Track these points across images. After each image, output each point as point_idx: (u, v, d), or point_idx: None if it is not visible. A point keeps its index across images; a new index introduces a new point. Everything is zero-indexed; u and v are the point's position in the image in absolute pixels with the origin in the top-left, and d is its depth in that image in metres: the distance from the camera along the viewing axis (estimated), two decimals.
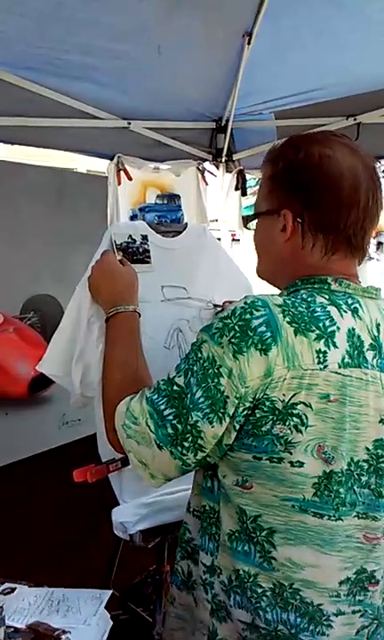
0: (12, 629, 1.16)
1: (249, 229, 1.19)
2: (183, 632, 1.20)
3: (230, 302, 1.61)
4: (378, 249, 3.21)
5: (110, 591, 1.30)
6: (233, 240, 4.26)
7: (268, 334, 0.95)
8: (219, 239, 2.78)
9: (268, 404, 0.95)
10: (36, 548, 2.48)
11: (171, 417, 1.00)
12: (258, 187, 1.20)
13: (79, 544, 2.54)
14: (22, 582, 1.33)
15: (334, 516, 1.01)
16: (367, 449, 1.01)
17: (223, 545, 1.07)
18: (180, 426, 0.99)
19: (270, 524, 1.01)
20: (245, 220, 1.19)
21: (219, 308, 1.64)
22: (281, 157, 1.10)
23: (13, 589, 1.30)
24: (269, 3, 2.48)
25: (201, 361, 0.99)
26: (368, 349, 1.02)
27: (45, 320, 2.90)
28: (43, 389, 2.73)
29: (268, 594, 1.03)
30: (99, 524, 1.64)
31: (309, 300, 1.01)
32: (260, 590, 1.03)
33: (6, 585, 1.31)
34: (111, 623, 1.23)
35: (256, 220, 1.17)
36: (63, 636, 1.13)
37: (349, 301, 1.04)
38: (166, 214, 1.70)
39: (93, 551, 2.28)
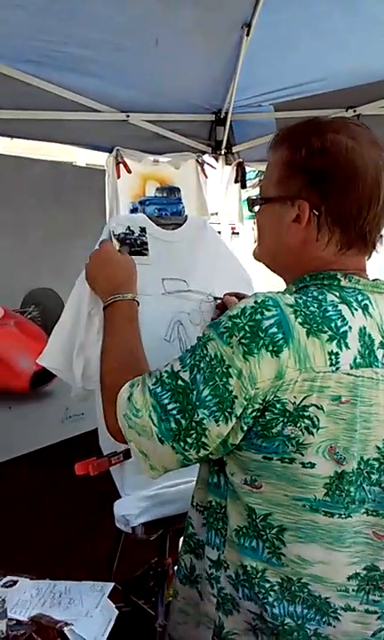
0: (15, 622, 1.16)
1: (252, 212, 1.15)
2: (186, 626, 1.20)
3: (230, 295, 1.60)
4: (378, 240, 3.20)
5: (112, 583, 1.30)
6: (233, 233, 4.25)
7: (280, 336, 0.93)
8: (218, 232, 2.78)
9: (278, 406, 0.94)
10: (38, 541, 2.48)
11: (175, 412, 0.98)
12: (263, 173, 1.13)
13: (82, 537, 2.55)
14: (24, 575, 1.33)
15: (344, 514, 1.00)
16: (378, 447, 1.00)
17: (230, 540, 1.07)
18: (184, 421, 0.98)
19: (280, 521, 1.01)
20: (251, 204, 1.13)
21: (219, 301, 1.64)
22: (302, 143, 1.03)
23: (15, 582, 1.30)
24: None
25: (207, 358, 0.97)
26: (378, 347, 1.00)
27: (46, 314, 2.89)
28: (45, 383, 2.73)
29: (276, 588, 1.03)
30: (101, 517, 1.64)
31: (320, 298, 0.99)
32: (267, 585, 1.03)
33: (8, 578, 1.31)
34: (117, 612, 1.23)
35: (261, 205, 1.12)
36: (65, 628, 1.13)
37: (359, 298, 1.02)
38: (167, 207, 1.69)
39: (96, 544, 2.28)
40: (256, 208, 1.13)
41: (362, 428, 0.98)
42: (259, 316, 0.95)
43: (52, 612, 1.20)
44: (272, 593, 1.03)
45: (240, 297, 1.56)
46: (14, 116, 2.73)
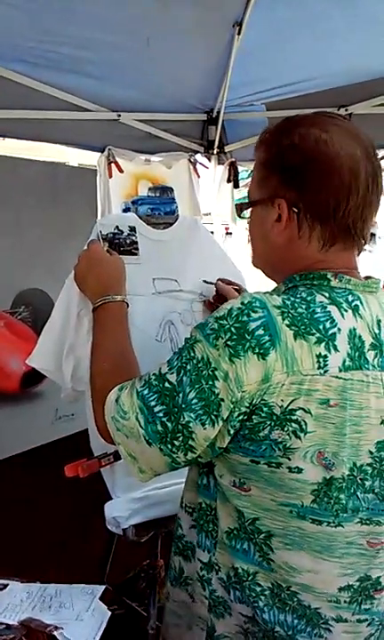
0: (4, 626, 1.15)
1: (242, 218, 1.14)
2: (178, 629, 1.19)
3: (222, 281, 1.59)
4: (370, 240, 3.21)
5: (103, 586, 1.29)
6: (226, 234, 4.23)
7: (267, 338, 0.92)
8: (212, 232, 2.77)
9: (265, 409, 0.92)
10: (29, 543, 2.47)
11: (161, 414, 0.97)
12: (251, 176, 1.14)
13: (75, 539, 2.53)
14: (14, 578, 1.32)
15: (333, 523, 0.98)
16: (370, 452, 0.98)
17: (221, 542, 1.06)
18: (170, 424, 0.97)
19: (268, 527, 0.99)
20: (239, 209, 1.14)
21: (212, 285, 1.62)
22: (274, 142, 1.04)
23: (5, 586, 1.29)
24: None
25: (194, 361, 0.96)
26: (369, 349, 0.98)
27: (36, 314, 2.88)
28: (35, 384, 2.72)
29: (267, 593, 1.02)
30: (94, 519, 1.63)
31: (309, 299, 0.97)
32: (258, 589, 1.02)
33: None
34: (109, 614, 1.21)
35: (250, 209, 1.12)
36: (55, 632, 1.12)
37: (350, 298, 1.00)
38: (160, 207, 1.67)
39: (88, 546, 2.27)
40: (244, 214, 1.13)
41: (352, 432, 0.96)
42: (245, 318, 0.93)
43: (43, 615, 1.19)
44: (262, 597, 1.02)
45: (233, 284, 1.58)
46: (5, 116, 2.71)
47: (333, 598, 1.01)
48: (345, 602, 1.01)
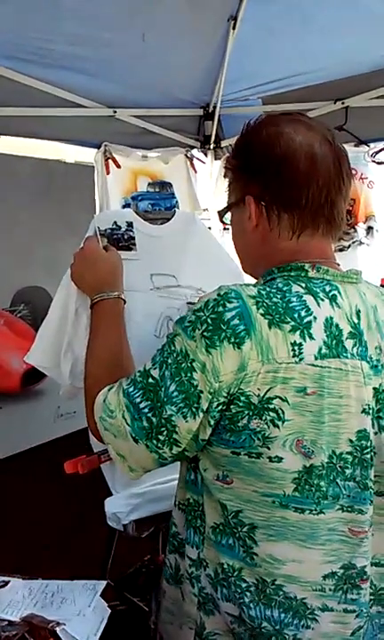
0: (6, 622, 1.15)
1: (225, 223, 1.19)
2: (171, 626, 1.18)
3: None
4: (368, 234, 3.19)
5: (105, 582, 1.29)
6: (223, 229, 4.22)
7: (242, 327, 0.93)
8: (209, 228, 2.76)
9: (243, 398, 0.93)
10: (31, 540, 2.48)
11: (146, 410, 0.98)
12: None
13: (75, 535, 2.54)
14: (16, 575, 1.32)
15: (315, 510, 0.98)
16: (350, 440, 0.99)
17: (208, 538, 1.06)
18: (154, 419, 0.98)
19: (251, 519, 1.00)
20: (220, 215, 1.18)
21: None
22: (236, 148, 1.11)
23: (7, 582, 1.29)
24: None
25: (174, 354, 0.97)
26: (347, 338, 0.99)
27: (36, 312, 2.89)
28: (36, 382, 2.72)
29: (252, 589, 1.01)
30: (93, 515, 1.63)
31: (285, 289, 0.99)
32: (243, 585, 1.02)
33: (0, 578, 1.30)
34: (109, 612, 1.22)
35: (229, 215, 1.16)
36: (58, 628, 1.12)
37: (327, 289, 1.01)
38: (160, 202, 1.67)
39: (89, 542, 2.28)
40: (226, 219, 1.17)
41: (331, 420, 0.96)
42: (221, 309, 0.95)
43: (45, 611, 1.19)
44: (248, 594, 1.01)
45: None
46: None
47: (318, 587, 1.01)
48: (330, 590, 1.01)
